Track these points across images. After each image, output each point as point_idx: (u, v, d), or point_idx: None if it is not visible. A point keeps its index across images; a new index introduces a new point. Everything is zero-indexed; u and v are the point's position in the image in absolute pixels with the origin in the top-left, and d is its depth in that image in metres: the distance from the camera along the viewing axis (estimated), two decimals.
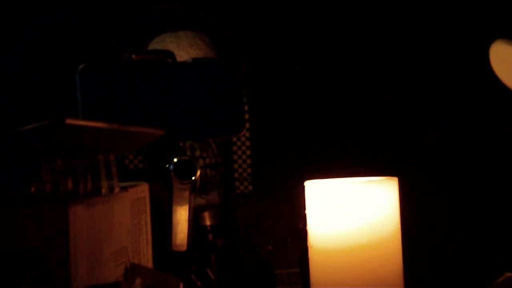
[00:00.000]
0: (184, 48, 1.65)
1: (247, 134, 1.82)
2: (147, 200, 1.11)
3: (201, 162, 1.65)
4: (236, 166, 1.81)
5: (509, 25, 1.94)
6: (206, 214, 1.68)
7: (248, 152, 1.82)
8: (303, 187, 1.14)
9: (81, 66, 1.15)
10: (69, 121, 0.77)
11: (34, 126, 0.78)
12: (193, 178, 1.15)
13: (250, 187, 1.82)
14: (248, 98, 1.79)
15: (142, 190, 1.10)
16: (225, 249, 1.69)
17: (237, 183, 1.81)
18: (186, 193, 1.15)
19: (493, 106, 1.93)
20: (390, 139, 2.02)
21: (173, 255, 1.15)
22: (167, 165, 1.16)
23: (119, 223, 0.98)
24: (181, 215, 1.15)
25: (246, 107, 1.75)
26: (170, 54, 1.19)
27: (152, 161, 1.71)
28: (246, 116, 1.75)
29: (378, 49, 2.03)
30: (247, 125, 1.80)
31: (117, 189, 0.99)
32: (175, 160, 1.15)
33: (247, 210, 1.81)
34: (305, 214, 1.13)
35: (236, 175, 1.81)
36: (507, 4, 1.95)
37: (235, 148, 1.81)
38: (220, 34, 1.74)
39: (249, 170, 1.81)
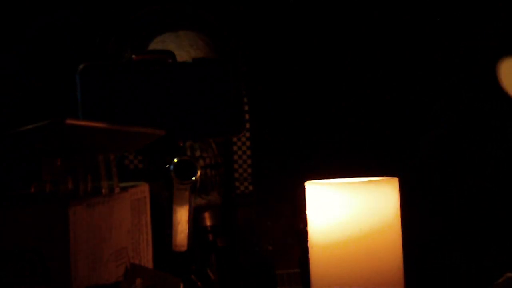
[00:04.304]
0: (184, 48, 1.65)
1: (247, 134, 1.82)
2: (147, 200, 1.11)
3: (201, 162, 1.65)
4: (236, 166, 1.81)
5: (508, 24, 1.94)
6: (206, 215, 1.68)
7: (248, 152, 1.82)
8: (303, 187, 1.14)
9: (81, 66, 1.15)
10: (69, 121, 0.77)
11: (34, 126, 0.78)
12: (193, 178, 1.15)
13: (250, 187, 1.82)
14: (248, 98, 1.79)
15: (142, 190, 1.09)
16: (225, 249, 1.69)
17: (237, 183, 1.81)
18: (186, 193, 1.15)
19: (493, 106, 1.93)
20: (390, 139, 2.01)
21: (173, 255, 1.15)
22: (167, 165, 1.16)
23: (119, 223, 0.98)
24: (181, 215, 1.15)
25: (246, 107, 1.75)
26: (170, 54, 1.19)
27: (152, 161, 1.71)
28: (246, 116, 1.75)
29: (378, 49, 2.03)
30: (247, 125, 1.80)
31: (117, 189, 0.99)
32: (175, 160, 1.15)
33: (247, 210, 1.81)
34: (305, 214, 1.13)
35: (236, 175, 1.81)
36: (507, 4, 1.95)
37: (235, 148, 1.81)
38: (220, 34, 1.74)
39: (249, 170, 1.81)
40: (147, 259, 1.10)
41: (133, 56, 1.18)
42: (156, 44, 1.67)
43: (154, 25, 1.69)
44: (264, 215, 1.81)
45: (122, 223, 0.99)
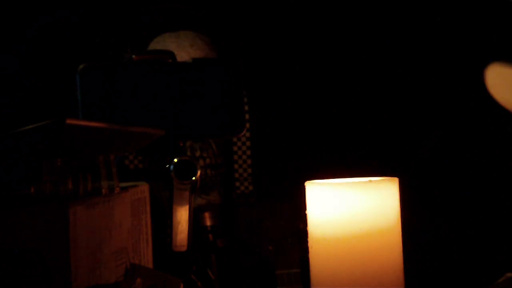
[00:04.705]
0: (184, 48, 1.65)
1: (248, 134, 1.82)
2: (147, 200, 1.11)
3: (201, 162, 1.66)
4: (236, 166, 1.81)
5: (508, 25, 1.94)
6: (207, 215, 1.68)
7: (248, 152, 1.82)
8: (304, 187, 1.14)
9: (81, 66, 1.15)
10: (69, 121, 0.77)
11: (34, 126, 0.78)
12: (193, 178, 1.15)
13: (250, 187, 1.82)
14: (248, 98, 1.79)
15: (142, 190, 1.10)
16: (226, 249, 1.69)
17: (237, 183, 1.81)
18: (187, 193, 1.15)
19: (494, 106, 1.93)
20: (390, 139, 2.01)
21: (173, 255, 1.15)
22: (167, 165, 1.16)
23: (119, 223, 0.98)
24: (182, 216, 1.15)
25: (246, 107, 1.75)
26: (171, 54, 1.19)
27: (152, 161, 1.71)
28: (246, 116, 1.75)
29: (378, 49, 2.03)
30: (247, 125, 1.80)
31: (117, 189, 0.99)
32: (175, 160, 1.15)
33: (247, 210, 1.81)
34: (305, 214, 1.13)
35: (236, 175, 1.81)
36: (506, 4, 1.95)
37: (235, 148, 1.81)
38: (220, 34, 1.74)
39: (249, 170, 1.81)
40: (147, 259, 1.10)
41: (133, 56, 1.18)
42: (156, 44, 1.67)
43: (154, 25, 1.69)
44: (264, 215, 1.81)
45: (122, 223, 0.99)
